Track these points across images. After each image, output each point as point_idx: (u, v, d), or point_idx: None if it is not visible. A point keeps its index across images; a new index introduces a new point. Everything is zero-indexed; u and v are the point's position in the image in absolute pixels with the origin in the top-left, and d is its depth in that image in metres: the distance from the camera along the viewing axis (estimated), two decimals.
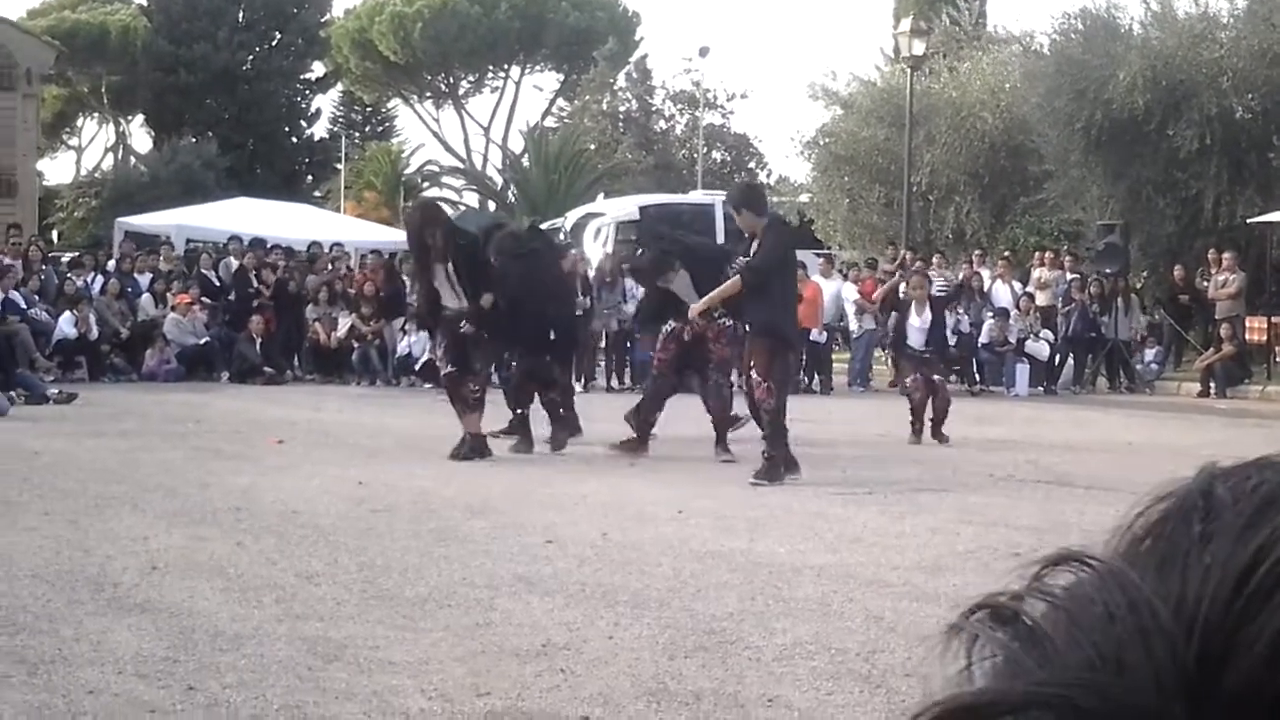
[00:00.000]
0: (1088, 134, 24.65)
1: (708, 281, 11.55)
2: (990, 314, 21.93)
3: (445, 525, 8.43)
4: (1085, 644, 0.50)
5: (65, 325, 20.41)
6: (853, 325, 22.44)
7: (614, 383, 21.28)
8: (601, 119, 53.35)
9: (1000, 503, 9.63)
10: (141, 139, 54.37)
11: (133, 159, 52.81)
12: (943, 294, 19.00)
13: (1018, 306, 22.03)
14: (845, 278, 23.48)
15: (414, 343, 21.20)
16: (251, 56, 49.34)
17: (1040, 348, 21.83)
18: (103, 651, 5.54)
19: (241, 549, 7.62)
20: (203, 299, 22.17)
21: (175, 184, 39.01)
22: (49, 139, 54.99)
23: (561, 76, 56.49)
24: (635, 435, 12.14)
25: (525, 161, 41.22)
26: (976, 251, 25.79)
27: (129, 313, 21.63)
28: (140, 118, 53.70)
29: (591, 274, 21.52)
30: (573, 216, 28.87)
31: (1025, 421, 15.51)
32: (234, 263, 23.07)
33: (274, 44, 50.41)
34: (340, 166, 53.70)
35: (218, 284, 22.97)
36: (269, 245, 24.03)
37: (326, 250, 24.64)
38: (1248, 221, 23.09)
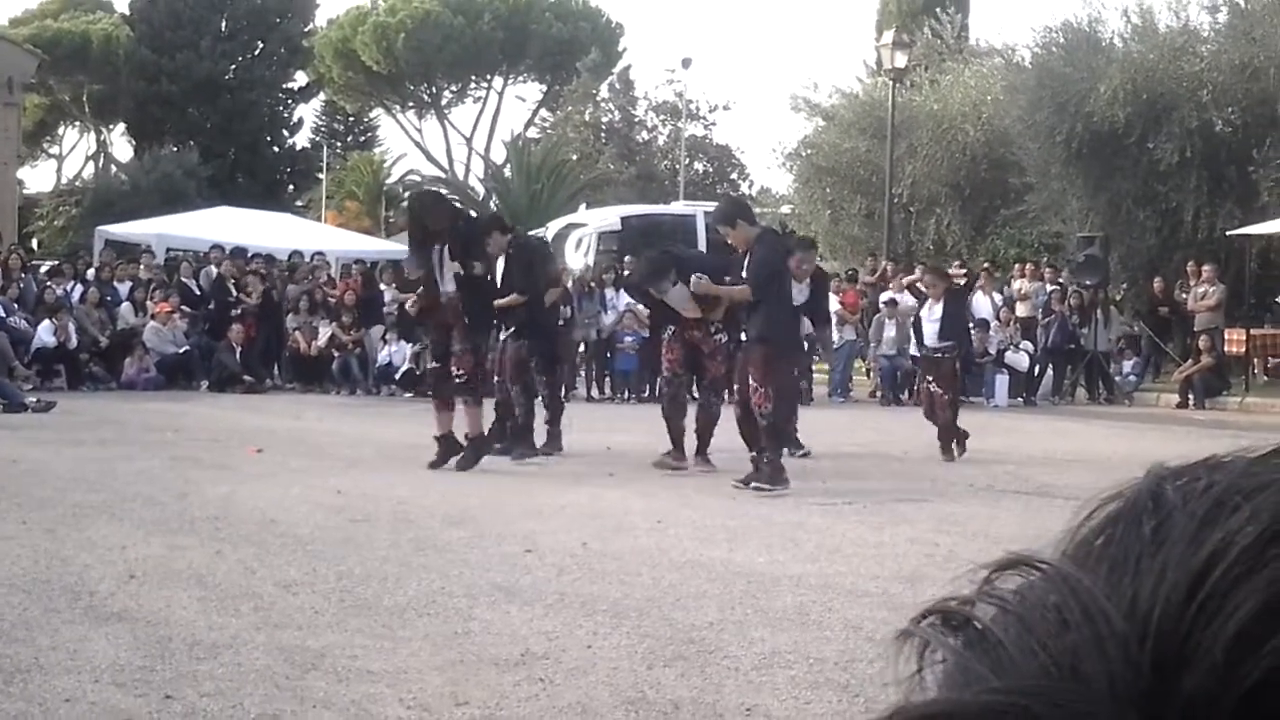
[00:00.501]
0: (1068, 146, 24.72)
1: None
2: (971, 325, 21.93)
3: (424, 535, 8.41)
4: (1039, 651, 0.49)
5: (44, 334, 20.32)
6: (834, 336, 22.44)
7: (594, 392, 21.28)
8: (584, 129, 53.39)
9: (980, 513, 9.65)
10: (123, 148, 54.28)
11: (114, 168, 52.65)
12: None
13: (998, 318, 22.07)
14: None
15: (394, 352, 21.18)
16: (234, 66, 49.28)
17: (1020, 359, 21.87)
18: (80, 660, 5.51)
19: (220, 558, 7.60)
20: (183, 307, 22.10)
21: (156, 193, 38.89)
22: (30, 147, 54.79)
23: (544, 87, 56.49)
24: (672, 445, 12.05)
25: (507, 172, 41.14)
26: (956, 262, 25.82)
27: (108, 321, 21.54)
28: (121, 126, 53.57)
29: (571, 284, 21.51)
30: (555, 227, 28.86)
31: (1004, 432, 15.53)
32: (214, 271, 23.01)
33: (256, 53, 50.35)
34: (322, 176, 53.61)
35: (198, 293, 22.90)
36: (250, 255, 24.00)
37: (308, 259, 24.61)
38: (1227, 234, 23.18)
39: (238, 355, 21.42)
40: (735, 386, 11.43)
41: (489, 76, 55.52)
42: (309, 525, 8.66)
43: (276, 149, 52.07)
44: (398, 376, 20.93)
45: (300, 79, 54.15)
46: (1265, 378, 22.74)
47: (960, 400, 14.36)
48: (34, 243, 42.35)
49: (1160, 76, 24.25)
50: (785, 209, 35.55)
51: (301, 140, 55.21)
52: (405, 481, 10.70)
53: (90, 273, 23.16)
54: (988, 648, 0.50)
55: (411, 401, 19.59)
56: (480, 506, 9.54)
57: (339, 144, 59.23)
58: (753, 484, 10.44)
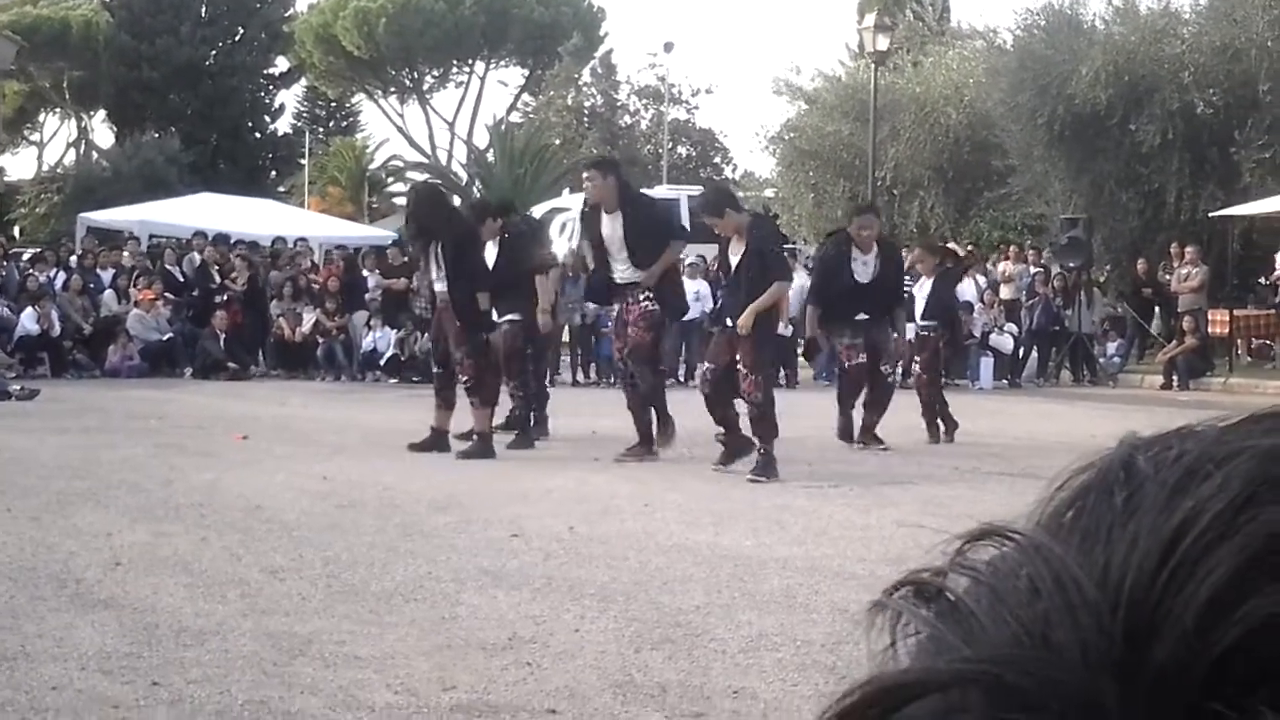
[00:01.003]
0: (1050, 129, 24.75)
1: (647, 253, 11.22)
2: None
3: (410, 520, 8.42)
4: (1010, 620, 0.49)
5: (27, 321, 20.26)
6: None
7: (579, 377, 21.28)
8: (566, 114, 53.33)
9: (965, 495, 9.67)
10: (104, 134, 53.97)
11: (95, 154, 52.38)
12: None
13: (982, 300, 22.10)
14: (810, 272, 23.46)
15: (379, 338, 21.16)
16: (215, 51, 49.02)
17: (1004, 341, 21.90)
18: (66, 647, 5.51)
19: (205, 545, 7.60)
20: (166, 294, 22.04)
21: (138, 179, 38.71)
22: (10, 134, 54.54)
23: (526, 72, 56.37)
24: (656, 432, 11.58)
25: (490, 157, 41.02)
26: (969, 246, 25.87)
27: (91, 308, 21.49)
28: (102, 113, 53.29)
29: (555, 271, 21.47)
30: (538, 211, 28.80)
31: (989, 414, 15.55)
32: (197, 258, 22.95)
33: (237, 39, 50.11)
34: (304, 162, 53.46)
35: (181, 279, 22.84)
36: (233, 241, 23.94)
37: (291, 245, 24.55)
38: (1209, 215, 23.21)
39: (221, 342, 21.37)
40: (708, 365, 11.07)
41: (471, 61, 55.40)
42: (295, 511, 8.66)
43: (258, 135, 51.87)
44: (382, 362, 20.91)
45: (281, 64, 53.92)
46: (1249, 358, 22.82)
47: (943, 381, 14.38)
48: (16, 230, 42.11)
49: (1141, 58, 24.28)
50: (769, 193, 35.51)
51: (283, 126, 55.05)
52: (391, 467, 10.70)
53: (73, 260, 23.08)
54: (960, 618, 0.50)
55: (396, 387, 19.60)
56: (466, 491, 9.54)
57: (321, 129, 59.05)
58: (749, 476, 10.29)
